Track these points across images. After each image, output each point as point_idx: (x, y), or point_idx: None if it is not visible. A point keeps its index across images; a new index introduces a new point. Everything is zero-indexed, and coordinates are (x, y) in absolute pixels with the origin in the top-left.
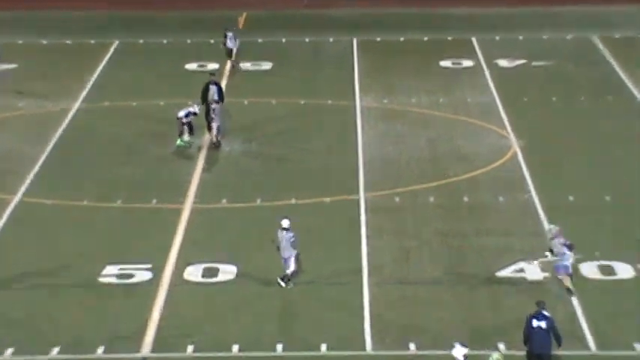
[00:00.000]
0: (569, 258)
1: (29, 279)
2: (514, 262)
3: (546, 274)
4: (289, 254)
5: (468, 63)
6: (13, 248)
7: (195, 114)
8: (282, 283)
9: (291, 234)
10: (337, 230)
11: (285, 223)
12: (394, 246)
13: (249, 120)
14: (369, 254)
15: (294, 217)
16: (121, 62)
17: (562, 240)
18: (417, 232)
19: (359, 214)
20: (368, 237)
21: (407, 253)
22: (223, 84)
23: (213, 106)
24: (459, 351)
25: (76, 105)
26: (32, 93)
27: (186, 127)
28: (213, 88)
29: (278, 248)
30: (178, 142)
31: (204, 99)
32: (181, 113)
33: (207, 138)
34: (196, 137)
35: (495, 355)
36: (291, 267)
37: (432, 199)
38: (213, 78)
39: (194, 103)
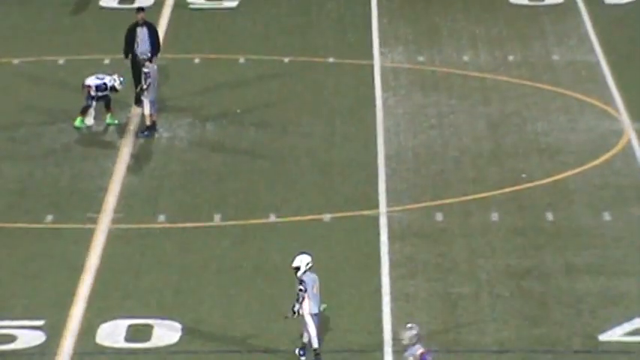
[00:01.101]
0: None
1: None
2: (628, 320)
3: None
4: (316, 308)
5: None
6: None
7: (114, 89)
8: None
9: (314, 276)
10: (341, 267)
11: (306, 260)
12: (434, 293)
13: (203, 89)
14: (394, 310)
15: (273, 243)
16: None
17: None
18: (471, 271)
19: (377, 241)
20: (392, 278)
21: (455, 306)
22: (161, 29)
23: (145, 67)
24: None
25: None
26: None
27: (93, 104)
28: (142, 33)
29: (299, 300)
30: (77, 121)
31: (129, 50)
32: (91, 81)
33: (134, 117)
34: (116, 116)
35: None
36: (313, 329)
37: (495, 216)
38: (140, 16)
39: (115, 75)
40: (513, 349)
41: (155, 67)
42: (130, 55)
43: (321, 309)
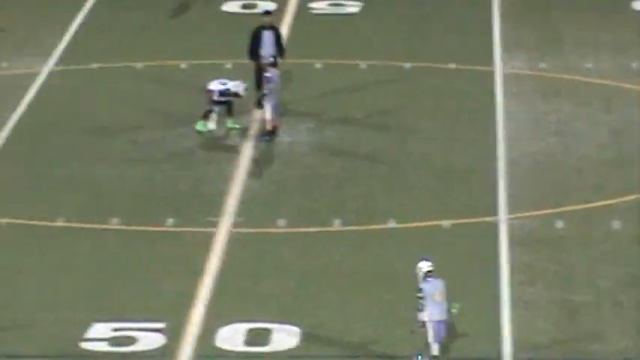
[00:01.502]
0: None
1: None
2: None
3: None
4: (438, 315)
5: None
6: None
7: (237, 95)
8: None
9: (437, 282)
10: (460, 274)
11: (423, 266)
12: (554, 300)
13: (323, 94)
14: (513, 317)
15: (392, 249)
16: (117, 2)
17: None
18: (592, 279)
19: (497, 248)
20: (511, 285)
21: (575, 314)
22: (283, 31)
23: (268, 72)
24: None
25: (47, 67)
26: None
27: (216, 108)
28: (267, 37)
29: (420, 309)
30: (199, 125)
31: (253, 53)
32: (214, 86)
33: (255, 121)
34: (237, 120)
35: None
36: (431, 336)
37: (616, 224)
38: (268, 19)
39: (239, 80)
40: (635, 359)
41: (277, 72)
42: (254, 58)
43: (453, 310)
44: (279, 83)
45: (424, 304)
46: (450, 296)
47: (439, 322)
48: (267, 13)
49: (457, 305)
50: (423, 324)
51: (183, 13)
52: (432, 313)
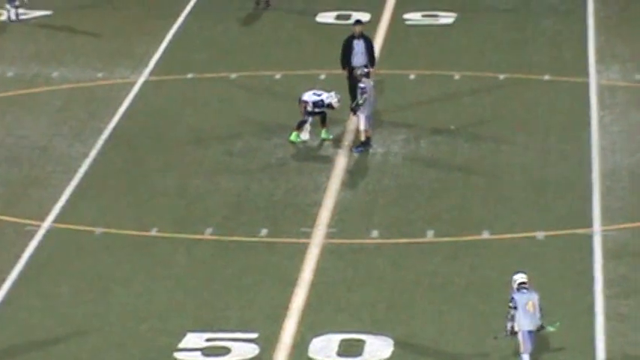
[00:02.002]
0: None
1: (62, 353)
2: None
3: None
4: (528, 325)
5: None
6: (35, 304)
7: (331, 107)
8: None
9: (530, 294)
10: (555, 285)
11: (516, 278)
12: None
13: (417, 104)
14: (607, 329)
15: (486, 260)
16: (211, 13)
17: None
18: None
19: (591, 260)
20: (606, 297)
21: None
22: (377, 44)
23: (362, 82)
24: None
25: (142, 77)
26: (72, 56)
27: (310, 119)
28: (359, 46)
29: (510, 318)
30: (293, 136)
31: (346, 62)
32: (308, 97)
33: (349, 132)
34: (331, 131)
35: None
36: (522, 346)
37: None
38: (359, 29)
39: (333, 92)
40: None
41: (371, 82)
42: (346, 68)
43: (552, 329)
44: (373, 94)
45: (513, 313)
46: (545, 308)
47: (529, 332)
48: (358, 22)
49: (557, 324)
50: (510, 333)
51: (278, 24)
52: (522, 323)
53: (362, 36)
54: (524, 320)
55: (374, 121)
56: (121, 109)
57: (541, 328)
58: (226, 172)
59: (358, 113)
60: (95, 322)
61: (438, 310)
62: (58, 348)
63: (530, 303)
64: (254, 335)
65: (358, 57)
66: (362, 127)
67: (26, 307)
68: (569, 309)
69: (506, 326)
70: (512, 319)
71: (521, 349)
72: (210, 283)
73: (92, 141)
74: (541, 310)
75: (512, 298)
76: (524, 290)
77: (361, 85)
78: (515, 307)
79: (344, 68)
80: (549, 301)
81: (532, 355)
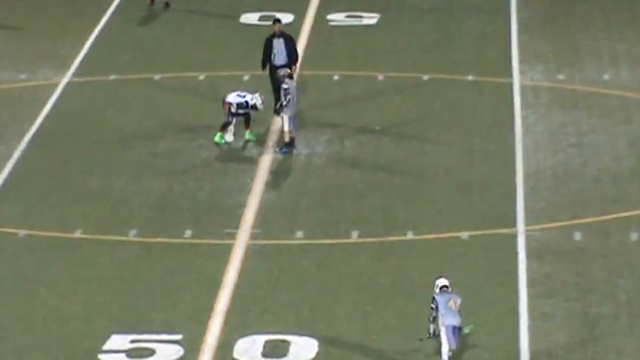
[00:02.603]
0: None
1: None
2: None
3: None
4: (451, 320)
5: None
6: None
7: (255, 108)
8: None
9: (457, 296)
10: (479, 285)
11: (439, 282)
12: (572, 312)
13: (341, 105)
14: (531, 329)
15: (411, 260)
16: (135, 14)
17: None
18: (610, 291)
19: (515, 260)
20: (529, 297)
21: (593, 327)
22: (300, 45)
23: (285, 83)
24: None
25: (66, 78)
26: None
27: (234, 120)
28: (279, 44)
29: (431, 320)
30: (217, 137)
31: (266, 62)
32: (232, 98)
33: (273, 133)
34: (255, 133)
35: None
36: (445, 344)
37: (634, 236)
38: (279, 27)
39: (257, 93)
40: None
41: (295, 83)
42: (266, 67)
43: (467, 330)
44: (296, 95)
45: (435, 315)
46: (468, 307)
47: (453, 327)
48: (277, 21)
49: (471, 326)
50: (432, 335)
51: (201, 25)
52: (446, 319)
53: (282, 34)
54: (448, 316)
55: (298, 122)
56: (45, 111)
57: (459, 330)
58: (150, 174)
59: (282, 114)
60: (19, 323)
61: (363, 311)
62: None
63: (452, 301)
64: (179, 337)
65: (279, 56)
66: (286, 128)
67: None
68: (493, 308)
69: (429, 328)
70: (434, 320)
71: (443, 347)
72: (135, 284)
73: (15, 142)
74: (460, 312)
75: (434, 298)
76: (448, 293)
77: (284, 86)
78: (436, 307)
79: (263, 68)
80: (474, 300)
81: (455, 352)
